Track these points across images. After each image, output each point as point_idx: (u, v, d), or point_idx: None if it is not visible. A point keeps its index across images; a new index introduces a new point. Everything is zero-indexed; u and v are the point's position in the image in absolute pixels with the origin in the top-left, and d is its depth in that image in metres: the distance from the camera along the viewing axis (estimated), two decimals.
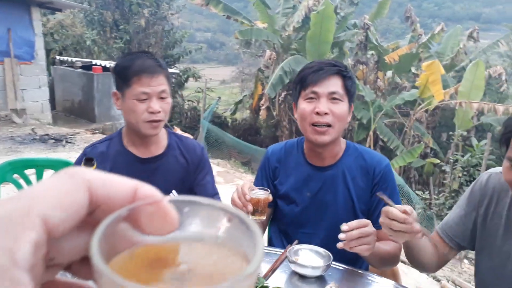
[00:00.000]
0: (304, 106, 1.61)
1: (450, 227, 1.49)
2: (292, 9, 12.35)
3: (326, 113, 1.56)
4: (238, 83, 17.75)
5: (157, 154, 1.79)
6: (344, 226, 1.32)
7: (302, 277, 1.38)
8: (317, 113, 1.57)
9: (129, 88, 1.63)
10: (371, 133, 10.88)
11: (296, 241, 1.54)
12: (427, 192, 8.06)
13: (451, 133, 10.80)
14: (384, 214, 1.25)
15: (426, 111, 11.39)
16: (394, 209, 1.23)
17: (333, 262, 1.40)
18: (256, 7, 11.97)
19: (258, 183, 1.83)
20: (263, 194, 1.50)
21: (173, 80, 14.11)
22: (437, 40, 12.36)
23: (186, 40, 16.69)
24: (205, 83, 12.15)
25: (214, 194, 1.88)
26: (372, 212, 1.66)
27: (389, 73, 12.84)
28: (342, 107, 1.59)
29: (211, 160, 6.44)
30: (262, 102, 12.04)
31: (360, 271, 1.49)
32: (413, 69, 12.50)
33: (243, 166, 8.77)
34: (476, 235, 1.42)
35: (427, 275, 3.95)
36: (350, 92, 1.62)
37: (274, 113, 12.42)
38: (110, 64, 10.99)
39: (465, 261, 4.99)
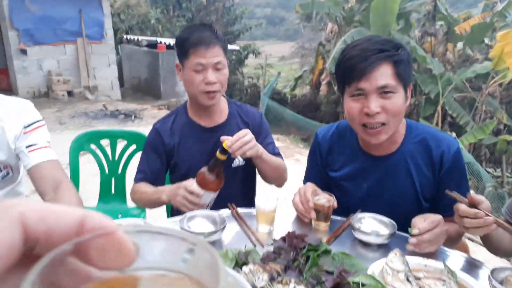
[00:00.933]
0: (351, 105, 1.40)
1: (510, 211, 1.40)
2: None
3: (377, 112, 1.35)
4: (298, 59, 17.52)
5: (220, 122, 1.86)
6: (415, 230, 1.26)
7: (366, 244, 1.39)
8: (367, 114, 1.37)
9: (187, 60, 1.69)
10: (439, 108, 10.35)
11: (359, 210, 1.53)
12: (499, 170, 7.58)
13: None
14: (455, 211, 1.20)
15: (500, 84, 10.60)
16: (463, 206, 1.16)
17: (397, 231, 1.39)
18: None
19: (310, 172, 1.77)
20: (327, 201, 1.46)
21: (233, 57, 14.23)
22: None
23: (246, 17, 16.69)
24: (265, 59, 12.14)
25: (277, 154, 1.91)
26: (439, 200, 1.50)
27: (460, 45, 12.03)
28: (396, 100, 1.36)
29: None
30: (322, 77, 11.83)
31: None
32: (486, 40, 11.62)
33: (303, 141, 8.75)
34: None
35: None
36: (404, 78, 1.36)
37: (335, 88, 12.17)
38: (174, 42, 11.28)
39: None
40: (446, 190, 1.27)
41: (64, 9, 9.43)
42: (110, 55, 10.46)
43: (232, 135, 1.81)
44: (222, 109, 1.89)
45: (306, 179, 1.76)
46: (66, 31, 9.58)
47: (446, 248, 1.38)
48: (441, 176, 1.48)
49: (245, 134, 1.56)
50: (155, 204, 1.80)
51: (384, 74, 1.33)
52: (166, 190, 1.64)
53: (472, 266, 1.30)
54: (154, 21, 13.49)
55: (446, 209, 1.45)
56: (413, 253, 1.28)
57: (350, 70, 1.37)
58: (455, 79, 10.20)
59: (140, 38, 12.19)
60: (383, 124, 1.37)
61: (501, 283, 1.11)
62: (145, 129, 2.23)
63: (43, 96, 9.35)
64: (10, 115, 1.47)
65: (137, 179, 1.88)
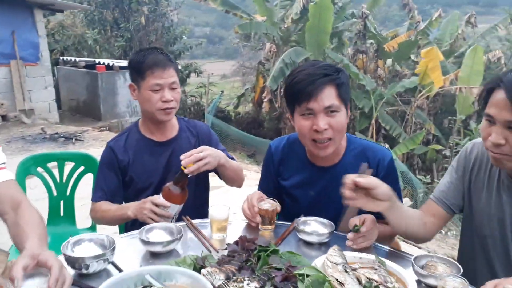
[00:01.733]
0: (301, 122, 1.58)
1: (443, 192, 1.57)
2: (290, 1, 12.45)
3: (325, 129, 1.53)
4: (239, 77, 17.87)
5: (171, 137, 2.00)
6: (362, 228, 1.46)
7: (309, 244, 1.56)
8: (316, 130, 1.54)
9: (144, 81, 1.84)
10: (373, 121, 11.00)
11: (302, 214, 1.69)
12: (428, 177, 8.22)
13: (451, 117, 10.91)
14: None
15: (427, 97, 11.49)
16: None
17: (335, 231, 1.57)
18: (255, 1, 12.08)
19: (263, 180, 1.92)
20: (271, 206, 1.63)
21: None
22: (435, 27, 12.44)
23: (186, 36, 16.81)
24: (207, 77, 12.30)
25: (231, 158, 2.04)
26: None
27: (389, 61, 12.93)
28: (340, 118, 1.56)
29: None
30: (264, 95, 12.18)
31: None
32: (412, 57, 12.59)
33: (249, 158, 8.95)
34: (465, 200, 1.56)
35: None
36: (345, 98, 1.57)
37: (276, 105, 12.56)
38: (113, 62, 11.14)
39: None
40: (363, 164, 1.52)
41: None
42: (46, 77, 10.13)
43: (184, 147, 1.95)
44: (173, 125, 2.03)
45: (260, 187, 1.92)
46: None
47: (379, 244, 1.59)
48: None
49: (200, 151, 1.70)
50: (119, 220, 1.87)
51: (329, 96, 1.52)
52: (131, 206, 1.73)
53: (399, 257, 1.51)
54: (91, 41, 13.24)
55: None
56: (350, 249, 1.47)
57: (299, 93, 1.54)
58: (386, 93, 10.91)
59: (77, 59, 11.91)
60: (330, 139, 1.57)
61: (421, 268, 1.32)
62: (88, 151, 2.28)
63: None
64: None
65: (96, 198, 1.94)
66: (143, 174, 1.96)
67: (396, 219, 1.45)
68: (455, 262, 1.31)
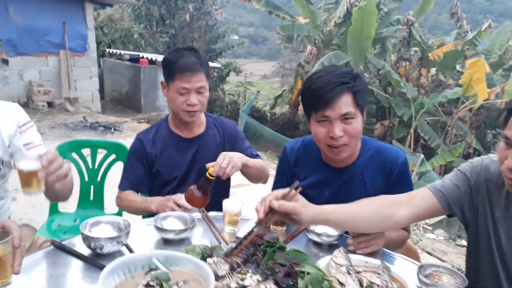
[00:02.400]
0: (317, 129, 1.61)
1: (444, 187, 1.48)
2: (334, 4, 12.36)
3: (341, 136, 1.56)
4: (279, 78, 17.91)
5: (199, 133, 2.08)
6: (349, 240, 1.50)
7: (318, 244, 1.58)
8: (332, 137, 1.57)
9: (173, 82, 1.91)
10: (411, 131, 10.76)
11: None
12: None
13: (495, 131, 10.49)
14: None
15: (470, 110, 11.10)
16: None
17: (345, 234, 1.59)
18: (298, 2, 12.07)
19: (278, 181, 1.94)
20: None
21: (215, 74, 14.48)
22: (484, 37, 11.98)
23: (229, 35, 17.03)
24: (244, 77, 12.41)
25: (255, 155, 2.12)
26: None
27: (433, 71, 12.58)
28: (356, 124, 1.58)
29: None
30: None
31: None
32: (458, 67, 12.17)
33: (279, 158, 8.95)
34: (465, 212, 1.47)
35: None
36: (361, 105, 1.59)
37: None
38: (156, 57, 11.47)
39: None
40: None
41: (48, 21, 9.54)
42: (92, 68, 10.56)
43: (210, 144, 2.04)
44: (201, 122, 2.11)
45: (274, 187, 1.93)
46: (49, 42, 9.66)
47: (388, 251, 1.58)
48: (391, 182, 1.73)
49: (223, 160, 1.73)
50: (143, 212, 1.97)
51: (345, 104, 1.54)
52: (155, 201, 1.83)
53: (406, 265, 1.50)
54: (137, 36, 13.66)
55: None
56: (357, 253, 1.48)
57: (316, 100, 1.57)
58: (427, 103, 10.63)
59: (122, 52, 12.33)
60: (345, 144, 1.59)
61: (426, 277, 1.31)
62: (125, 141, 2.39)
63: (23, 106, 9.04)
64: (4, 115, 1.62)
65: (123, 186, 2.06)
66: (169, 167, 2.04)
67: (333, 227, 1.49)
68: (461, 274, 1.30)
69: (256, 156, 2.12)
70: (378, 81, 11.97)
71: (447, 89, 11.70)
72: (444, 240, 4.84)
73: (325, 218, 1.36)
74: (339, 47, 11.82)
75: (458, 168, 1.51)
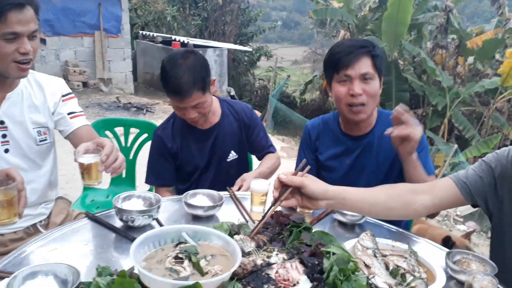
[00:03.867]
0: (338, 88, 1.75)
1: (466, 178, 1.45)
2: None
3: (360, 94, 1.70)
4: (310, 64, 17.70)
5: (214, 123, 2.08)
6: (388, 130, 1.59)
7: (343, 225, 1.58)
8: (352, 95, 1.71)
9: (169, 97, 1.95)
10: (446, 120, 10.47)
11: None
12: None
13: None
14: None
15: (509, 100, 10.70)
16: None
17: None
18: None
19: (301, 157, 2.01)
20: None
21: (246, 58, 14.45)
22: None
23: (261, 19, 16.91)
24: (275, 62, 12.34)
25: (269, 146, 2.18)
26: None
27: (471, 59, 12.14)
28: (374, 85, 1.73)
29: (276, 136, 6.71)
30: None
31: (394, 227, 1.64)
32: (497, 56, 11.70)
33: None
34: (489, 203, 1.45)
35: None
36: (379, 69, 1.74)
37: None
38: (188, 40, 11.53)
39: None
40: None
41: (84, 2, 9.73)
42: (125, 49, 10.74)
43: (226, 132, 2.08)
44: (215, 110, 2.09)
45: (298, 163, 1.96)
46: (84, 23, 9.88)
47: (415, 236, 1.57)
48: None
49: (240, 187, 1.85)
50: None
51: (365, 64, 1.71)
52: None
53: (434, 251, 1.49)
54: (170, 18, 13.75)
55: None
56: (383, 236, 1.47)
57: (338, 61, 1.73)
58: (463, 92, 10.30)
59: (155, 34, 12.45)
60: (363, 104, 1.72)
61: (454, 263, 1.29)
62: (156, 122, 2.44)
63: None
64: (49, 85, 1.73)
65: (148, 181, 2.14)
66: (190, 160, 2.09)
67: (349, 209, 1.45)
68: (491, 262, 1.27)
69: (270, 147, 2.19)
70: (412, 69, 11.66)
71: (485, 78, 11.28)
72: (475, 232, 4.74)
73: (342, 197, 1.34)
74: (373, 33, 11.55)
75: (483, 158, 1.47)
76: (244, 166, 2.19)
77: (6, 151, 1.61)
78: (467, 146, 9.65)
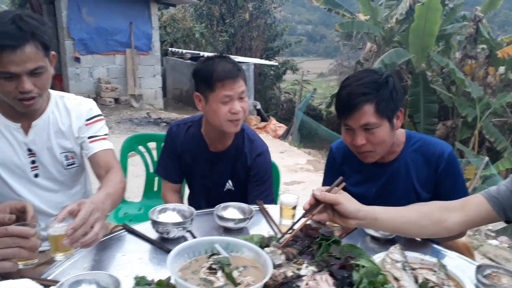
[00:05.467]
0: (344, 135, 1.70)
1: (498, 193, 1.43)
2: (396, 1, 12.02)
3: (363, 144, 1.61)
4: (336, 76, 17.68)
5: (223, 149, 2.04)
6: None
7: (375, 239, 1.60)
8: (355, 145, 1.64)
9: (213, 92, 1.83)
10: (476, 132, 10.24)
11: None
12: None
13: None
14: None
15: None
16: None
17: None
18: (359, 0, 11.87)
19: (327, 180, 1.96)
20: None
21: (272, 72, 14.57)
22: None
23: (287, 33, 17.06)
24: (301, 75, 12.42)
25: (264, 198, 1.99)
26: (437, 194, 1.71)
27: (502, 69, 11.86)
28: (378, 134, 1.60)
29: (302, 150, 6.69)
30: None
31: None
32: None
33: None
34: None
35: None
36: (387, 113, 1.59)
37: None
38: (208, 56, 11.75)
39: None
40: None
41: (117, 21, 10.10)
42: (155, 66, 11.04)
43: (229, 161, 2.03)
44: (231, 137, 2.03)
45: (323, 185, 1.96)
46: (117, 41, 10.23)
47: (445, 250, 1.57)
48: (438, 174, 1.71)
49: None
50: None
51: (365, 114, 1.57)
52: None
53: (463, 265, 1.48)
54: (198, 35, 14.07)
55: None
56: (412, 250, 1.48)
57: (339, 109, 1.65)
58: (494, 103, 10.06)
59: (184, 51, 12.76)
60: (370, 151, 1.64)
61: (484, 277, 1.29)
62: None
63: None
64: (76, 109, 1.76)
65: (157, 171, 2.22)
66: (190, 169, 2.11)
67: (380, 228, 1.44)
68: None
69: (267, 196, 2.02)
70: (441, 80, 11.49)
71: None
72: (508, 247, 4.60)
73: (373, 218, 1.35)
74: (400, 44, 11.48)
75: None
76: (240, 199, 1.97)
77: (36, 175, 1.69)
78: (499, 158, 9.39)
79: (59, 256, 1.32)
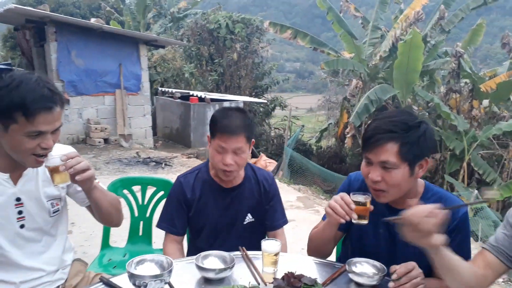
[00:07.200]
0: (362, 167, 1.67)
1: (500, 243, 1.46)
2: (379, 38, 12.38)
3: (378, 181, 1.59)
4: (325, 111, 17.94)
5: (236, 184, 2.09)
6: (393, 275, 1.48)
7: (359, 285, 1.58)
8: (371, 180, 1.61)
9: (214, 139, 1.94)
10: (465, 164, 10.33)
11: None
12: None
13: None
14: None
15: None
16: None
17: (386, 277, 1.57)
18: (343, 38, 12.22)
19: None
20: (364, 198, 1.62)
21: (261, 109, 14.75)
22: None
23: (276, 71, 17.40)
24: (289, 111, 12.57)
25: (283, 219, 2.19)
26: None
27: (486, 102, 12.12)
28: (395, 175, 1.57)
29: (292, 186, 6.66)
30: (347, 130, 12.09)
31: None
32: None
33: (325, 193, 8.88)
34: None
35: None
36: (409, 156, 1.56)
37: (360, 142, 12.34)
38: (205, 94, 11.91)
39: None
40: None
41: (106, 63, 10.23)
42: (145, 106, 11.12)
43: (246, 195, 2.09)
44: (239, 173, 2.10)
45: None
46: (106, 83, 10.33)
47: None
48: (449, 231, 1.64)
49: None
50: None
51: (387, 152, 1.55)
52: None
53: None
54: (188, 74, 14.27)
55: None
56: None
57: (364, 141, 1.63)
58: (480, 136, 10.22)
59: (174, 90, 12.91)
60: (383, 190, 1.61)
61: None
62: (174, 176, 2.51)
63: (81, 143, 9.95)
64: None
65: (160, 225, 2.14)
66: (204, 214, 2.08)
67: (442, 265, 1.42)
68: None
69: (283, 220, 2.20)
70: (427, 114, 11.70)
71: (502, 121, 11.20)
72: (503, 282, 4.54)
73: (445, 253, 1.38)
74: (385, 80, 11.74)
75: (506, 215, 1.48)
76: (260, 231, 2.18)
77: (22, 226, 1.67)
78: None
79: (59, 185, 1.58)
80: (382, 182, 1.59)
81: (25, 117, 1.45)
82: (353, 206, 1.58)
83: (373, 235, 1.77)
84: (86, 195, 1.72)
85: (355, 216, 1.58)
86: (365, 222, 1.62)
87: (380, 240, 1.76)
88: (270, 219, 2.17)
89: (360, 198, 1.62)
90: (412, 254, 1.59)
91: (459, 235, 1.66)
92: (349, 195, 1.65)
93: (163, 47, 12.76)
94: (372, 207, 1.62)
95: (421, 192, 1.73)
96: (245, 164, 2.02)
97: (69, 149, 1.86)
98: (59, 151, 1.61)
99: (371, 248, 1.74)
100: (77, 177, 1.55)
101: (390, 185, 1.59)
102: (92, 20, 10.15)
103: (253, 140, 2.02)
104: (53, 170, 1.54)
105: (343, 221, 1.60)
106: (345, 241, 2.00)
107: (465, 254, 1.66)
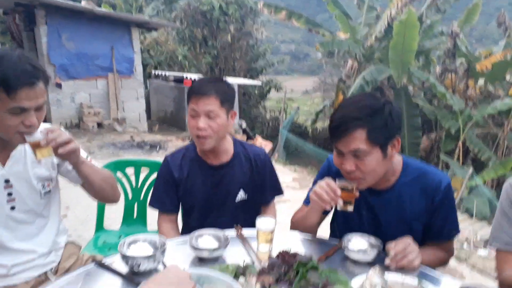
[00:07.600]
0: (335, 158, 1.63)
1: (505, 232, 1.49)
2: (375, 19, 12.24)
3: (352, 171, 1.55)
4: (320, 93, 17.86)
5: (225, 161, 2.06)
6: (391, 252, 1.49)
7: (354, 262, 1.56)
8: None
9: (188, 105, 1.92)
10: (460, 144, 10.35)
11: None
12: None
13: None
14: None
15: None
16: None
17: (383, 252, 1.56)
18: (338, 18, 12.06)
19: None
20: (349, 183, 1.59)
21: (256, 92, 14.65)
22: None
23: (271, 53, 17.24)
24: (284, 94, 12.49)
25: (278, 189, 2.20)
26: (429, 226, 1.70)
27: (481, 81, 12.09)
28: (369, 162, 1.53)
29: (288, 167, 6.67)
30: None
31: None
32: (508, 77, 11.64)
33: None
34: None
35: None
36: (379, 140, 1.51)
37: None
38: (199, 77, 11.80)
39: None
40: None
41: (97, 46, 10.09)
42: (138, 89, 11.01)
43: (235, 172, 2.05)
44: (227, 149, 2.07)
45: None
46: (98, 66, 10.20)
47: (428, 271, 1.54)
48: (434, 207, 1.67)
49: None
50: None
51: (356, 139, 1.50)
52: None
53: (446, 285, 1.45)
54: (181, 57, 14.11)
55: (435, 235, 1.70)
56: (395, 270, 1.44)
57: (330, 132, 1.58)
58: (476, 115, 10.21)
59: (167, 73, 12.78)
60: (360, 178, 1.57)
61: None
62: None
63: (75, 127, 9.87)
64: None
65: (152, 202, 2.12)
66: (193, 192, 2.05)
67: None
68: None
69: (279, 190, 2.20)
70: (423, 94, 11.66)
71: (497, 100, 11.19)
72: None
73: None
74: (381, 61, 11.65)
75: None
76: (254, 209, 2.15)
77: (12, 208, 1.64)
78: (484, 168, 9.48)
79: (38, 157, 1.52)
80: (357, 170, 1.55)
81: (6, 93, 1.41)
82: (338, 192, 1.55)
83: (357, 218, 1.76)
84: (76, 170, 1.68)
85: (340, 202, 1.56)
86: (350, 209, 1.60)
87: (364, 223, 1.76)
88: (264, 193, 2.16)
89: (346, 184, 1.59)
90: (397, 232, 1.59)
91: (444, 207, 1.66)
92: (334, 180, 1.61)
93: (155, 30, 12.59)
94: (358, 194, 1.60)
95: (399, 170, 1.70)
96: (223, 133, 1.94)
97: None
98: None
99: (356, 230, 1.71)
100: (60, 150, 1.51)
101: (366, 172, 1.55)
102: (83, 3, 9.93)
103: (234, 111, 1.99)
104: (35, 146, 1.51)
105: (328, 208, 1.60)
106: (333, 223, 1.98)
107: (452, 225, 1.69)
